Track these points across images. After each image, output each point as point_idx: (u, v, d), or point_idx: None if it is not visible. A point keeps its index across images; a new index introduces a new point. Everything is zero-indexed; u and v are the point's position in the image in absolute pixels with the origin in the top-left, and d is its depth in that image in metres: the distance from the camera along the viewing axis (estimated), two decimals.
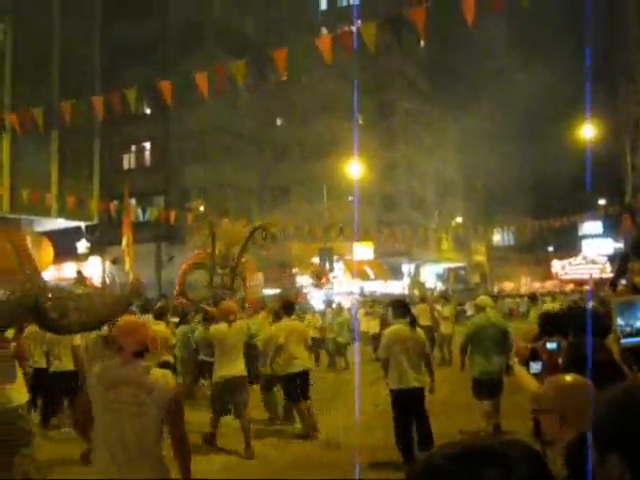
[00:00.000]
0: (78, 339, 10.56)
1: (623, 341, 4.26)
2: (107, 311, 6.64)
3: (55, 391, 10.46)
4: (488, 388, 9.65)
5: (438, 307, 21.30)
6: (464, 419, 10.02)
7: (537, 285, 54.88)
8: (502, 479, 1.06)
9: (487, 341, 9.70)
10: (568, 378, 2.57)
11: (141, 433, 4.06)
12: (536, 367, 4.97)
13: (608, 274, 39.10)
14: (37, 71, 26.19)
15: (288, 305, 11.68)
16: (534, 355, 2.98)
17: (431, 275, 57.72)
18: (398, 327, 8.87)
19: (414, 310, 11.89)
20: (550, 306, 19.60)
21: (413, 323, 8.98)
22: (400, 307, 9.23)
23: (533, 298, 19.86)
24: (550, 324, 6.46)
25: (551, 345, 5.90)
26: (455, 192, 63.61)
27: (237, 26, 40.15)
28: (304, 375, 10.52)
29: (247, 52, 25.71)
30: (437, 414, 9.59)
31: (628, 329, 4.48)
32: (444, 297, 24.67)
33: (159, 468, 4.10)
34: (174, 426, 4.22)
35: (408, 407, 8.60)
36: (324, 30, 40.86)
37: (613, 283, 9.93)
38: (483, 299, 10.75)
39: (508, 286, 54.22)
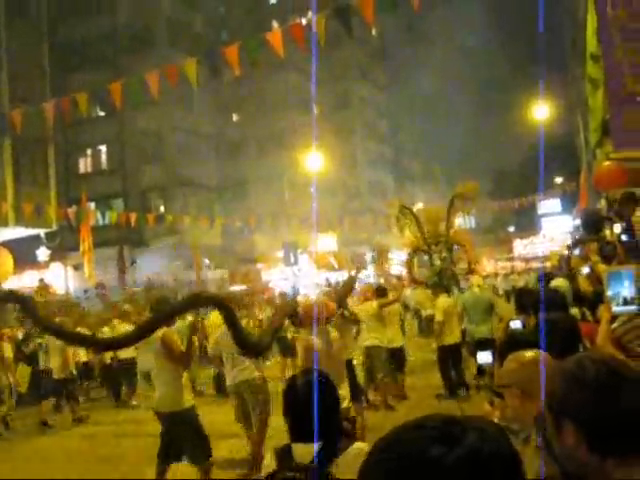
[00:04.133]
0: None
1: (615, 309, 4.33)
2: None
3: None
4: (481, 347, 10.67)
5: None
6: None
7: (500, 265, 55.39)
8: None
9: (475, 313, 11.95)
10: (528, 353, 2.61)
11: None
12: (485, 357, 4.92)
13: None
14: None
15: None
16: (483, 344, 2.83)
17: (395, 262, 57.91)
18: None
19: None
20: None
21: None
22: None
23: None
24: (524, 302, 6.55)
25: (515, 324, 5.90)
26: (414, 178, 63.98)
27: (187, 24, 39.78)
28: None
29: (199, 50, 25.59)
30: None
31: (616, 299, 4.52)
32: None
33: None
34: None
35: (450, 355, 11.81)
36: (275, 24, 40.73)
37: (568, 258, 11.29)
38: (475, 278, 13.63)
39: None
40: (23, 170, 27.37)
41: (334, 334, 7.34)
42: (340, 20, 8.69)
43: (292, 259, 33.02)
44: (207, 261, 34.16)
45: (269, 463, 2.98)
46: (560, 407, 1.59)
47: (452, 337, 11.89)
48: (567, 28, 36.57)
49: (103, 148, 40.00)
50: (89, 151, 40.20)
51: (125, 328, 13.62)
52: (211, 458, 7.52)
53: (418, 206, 56.30)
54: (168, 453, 7.38)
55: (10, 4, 27.22)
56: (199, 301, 7.44)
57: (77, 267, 27.12)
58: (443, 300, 12.30)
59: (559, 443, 1.59)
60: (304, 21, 9.85)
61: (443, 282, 15.87)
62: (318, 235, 37.94)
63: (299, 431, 2.95)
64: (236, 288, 29.49)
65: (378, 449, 1.09)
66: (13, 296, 7.27)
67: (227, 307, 7.23)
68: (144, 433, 11.11)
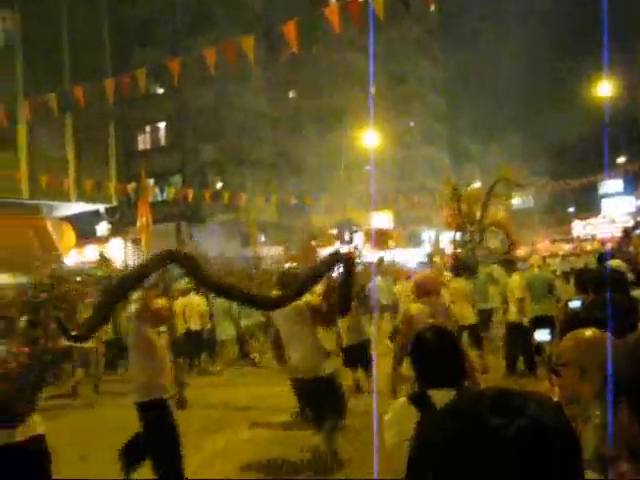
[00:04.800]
0: (204, 306, 15.63)
1: None
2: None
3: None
4: (541, 324, 10.97)
5: None
6: None
7: (556, 247, 54.52)
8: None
9: (534, 292, 11.74)
10: (587, 332, 2.57)
11: None
12: (542, 335, 4.86)
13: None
14: (48, 57, 26.22)
15: None
16: (541, 322, 2.94)
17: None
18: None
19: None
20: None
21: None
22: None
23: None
24: (584, 282, 6.44)
25: (574, 304, 5.84)
26: (471, 156, 63.20)
27: (245, 1, 39.78)
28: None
29: (257, 27, 25.61)
30: None
31: None
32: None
33: None
34: None
35: (521, 333, 11.27)
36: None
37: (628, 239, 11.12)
38: (535, 258, 13.12)
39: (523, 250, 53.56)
40: (84, 147, 27.92)
41: (448, 303, 7.29)
42: None
43: (347, 237, 33.05)
44: (263, 238, 34.44)
45: (405, 410, 3.08)
46: (616, 384, 1.58)
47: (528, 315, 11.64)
48: (633, 3, 35.49)
49: (162, 125, 40.48)
50: (148, 128, 40.73)
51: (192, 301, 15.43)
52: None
53: (475, 185, 55.72)
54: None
55: None
56: (336, 259, 7.12)
57: (136, 242, 27.59)
58: (516, 277, 11.98)
59: (616, 419, 1.57)
60: None
61: (465, 262, 15.59)
62: (374, 213, 37.87)
63: (435, 378, 3.14)
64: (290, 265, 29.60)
65: (438, 419, 1.10)
66: (175, 256, 6.46)
67: (353, 269, 7.15)
68: (202, 404, 11.21)
